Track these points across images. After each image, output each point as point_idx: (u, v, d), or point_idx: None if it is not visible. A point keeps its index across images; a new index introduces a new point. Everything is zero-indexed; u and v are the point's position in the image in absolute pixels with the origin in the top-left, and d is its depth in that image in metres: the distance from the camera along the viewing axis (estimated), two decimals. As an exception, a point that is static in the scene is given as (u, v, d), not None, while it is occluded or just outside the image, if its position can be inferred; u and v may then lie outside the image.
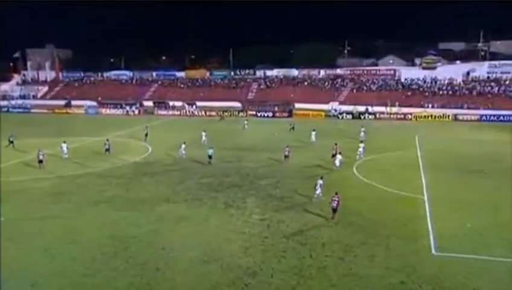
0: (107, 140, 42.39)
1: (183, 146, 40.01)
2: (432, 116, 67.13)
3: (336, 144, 37.52)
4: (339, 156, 35.26)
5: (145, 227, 23.47)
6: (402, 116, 68.26)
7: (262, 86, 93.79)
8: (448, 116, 66.32)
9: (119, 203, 27.51)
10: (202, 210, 26.20)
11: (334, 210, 24.12)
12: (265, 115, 73.70)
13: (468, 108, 70.59)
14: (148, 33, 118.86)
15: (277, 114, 73.53)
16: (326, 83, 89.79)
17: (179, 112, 78.12)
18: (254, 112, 74.78)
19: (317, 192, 27.09)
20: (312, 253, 20.25)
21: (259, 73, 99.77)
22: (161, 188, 30.71)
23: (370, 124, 60.70)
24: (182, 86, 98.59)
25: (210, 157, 38.08)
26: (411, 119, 67.16)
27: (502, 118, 63.99)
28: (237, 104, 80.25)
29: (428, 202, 26.98)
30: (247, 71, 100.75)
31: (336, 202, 24.03)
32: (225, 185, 31.49)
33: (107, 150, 41.27)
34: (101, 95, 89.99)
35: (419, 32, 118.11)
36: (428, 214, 24.95)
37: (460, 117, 65.97)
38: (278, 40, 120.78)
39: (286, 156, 38.25)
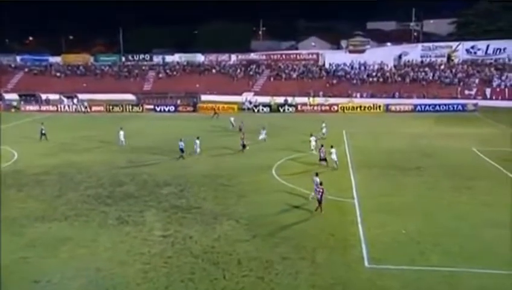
0: None
1: (198, 142, 41.75)
2: (360, 107, 70.53)
3: (322, 146, 38.51)
4: (333, 150, 36.93)
5: (11, 255, 22.20)
6: (327, 107, 70.98)
7: (161, 75, 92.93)
8: (379, 106, 70.13)
9: (-26, 226, 25.75)
10: (89, 229, 25.45)
11: (319, 202, 26.61)
12: (166, 109, 72.99)
13: (400, 97, 75.37)
14: (7, 5, 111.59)
15: (180, 108, 73.11)
16: (239, 70, 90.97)
17: (55, 107, 74.90)
18: (152, 106, 73.78)
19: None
20: (226, 273, 20.41)
21: (157, 59, 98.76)
22: (33, 204, 29.36)
23: (290, 118, 62.50)
24: (58, 74, 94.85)
25: (182, 151, 40.10)
26: (337, 111, 70.03)
27: (437, 107, 69.01)
28: (130, 97, 78.57)
29: (358, 206, 28.32)
30: (141, 56, 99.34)
31: (320, 194, 26.54)
32: (117, 196, 30.87)
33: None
34: None
35: (345, 11, 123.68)
36: (359, 220, 26.17)
37: (393, 108, 70.07)
38: (179, 18, 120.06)
39: (244, 146, 42.85)
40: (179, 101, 74.75)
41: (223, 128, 55.98)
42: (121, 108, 73.54)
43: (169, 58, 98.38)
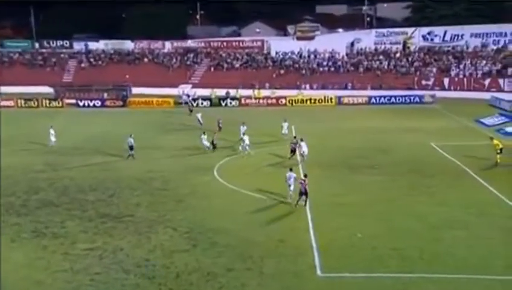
0: None
1: (205, 137, 42.22)
2: (310, 100, 71.45)
3: (295, 137, 40.80)
4: (302, 143, 38.83)
5: None
6: (274, 100, 71.59)
7: (84, 64, 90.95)
8: (331, 99, 71.25)
9: None
10: (-2, 244, 24.68)
11: (301, 194, 28.59)
12: (91, 104, 71.72)
13: (354, 88, 76.90)
14: None
15: (108, 102, 72.00)
16: (174, 60, 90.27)
17: None
18: (74, 101, 72.28)
19: (291, 187, 29.83)
20: (163, 288, 20.32)
21: (79, 46, 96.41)
22: None
23: (233, 113, 62.59)
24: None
25: (132, 148, 40.08)
26: (285, 104, 70.65)
27: (393, 99, 70.82)
28: (47, 90, 76.52)
29: (310, 210, 28.73)
30: (60, 43, 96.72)
31: (304, 186, 28.42)
32: (33, 205, 30.19)
33: None
34: None
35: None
36: (310, 225, 26.63)
37: (346, 100, 71.32)
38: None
39: (213, 144, 42.84)
40: (106, 95, 73.52)
41: (189, 126, 55.20)
42: (36, 103, 71.43)
43: (93, 45, 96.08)
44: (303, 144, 38.97)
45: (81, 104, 71.84)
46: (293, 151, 39.74)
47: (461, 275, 20.95)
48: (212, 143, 42.83)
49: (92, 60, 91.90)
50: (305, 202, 28.84)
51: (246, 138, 41.85)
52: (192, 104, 67.57)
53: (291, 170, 30.83)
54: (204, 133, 43.34)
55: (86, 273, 21.60)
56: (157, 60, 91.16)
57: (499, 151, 37.30)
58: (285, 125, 47.56)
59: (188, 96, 72.84)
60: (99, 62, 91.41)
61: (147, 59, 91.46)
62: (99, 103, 71.98)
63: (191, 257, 22.93)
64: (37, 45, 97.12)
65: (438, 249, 23.55)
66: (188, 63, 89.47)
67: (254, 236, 25.25)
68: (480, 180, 33.91)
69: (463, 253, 23.05)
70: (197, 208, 29.45)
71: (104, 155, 41.67)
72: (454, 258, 22.50)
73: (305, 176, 29.31)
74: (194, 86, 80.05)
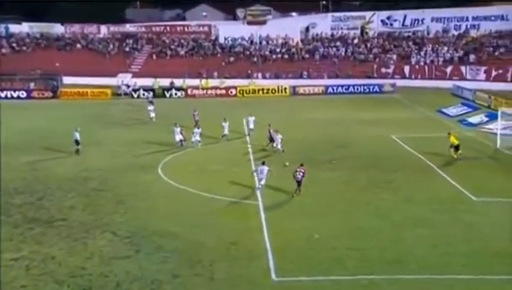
0: None
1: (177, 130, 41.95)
2: (263, 90, 72.02)
3: (269, 125, 42.36)
4: (279, 136, 40.68)
5: None
6: (223, 91, 71.73)
7: (4, 50, 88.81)
8: (285, 89, 71.96)
9: None
10: None
11: (299, 183, 30.50)
12: (15, 95, 70.53)
13: (309, 77, 77.75)
14: None
15: (35, 93, 70.81)
16: (111, 46, 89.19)
17: None
18: (-5, 92, 70.93)
19: (262, 181, 31.32)
20: (101, 300, 20.21)
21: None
22: None
23: (179, 105, 62.40)
24: None
25: (77, 143, 40.23)
26: (236, 95, 71.05)
27: (351, 89, 72.02)
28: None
29: (264, 209, 28.99)
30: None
31: (301, 174, 30.51)
32: None
33: None
34: None
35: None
36: (264, 226, 26.82)
37: (301, 90, 72.23)
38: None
39: (181, 140, 42.17)
40: (32, 85, 72.41)
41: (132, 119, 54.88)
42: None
43: (15, 28, 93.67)
44: (279, 136, 40.37)
45: (2, 95, 70.39)
46: (271, 140, 41.31)
47: (423, 275, 21.51)
48: (181, 140, 42.24)
49: (14, 45, 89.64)
50: (298, 190, 30.74)
51: (197, 132, 42.15)
52: (132, 96, 67.04)
53: (263, 163, 31.61)
54: (176, 124, 42.77)
55: (10, 286, 21.14)
56: (92, 46, 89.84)
57: (451, 146, 38.47)
58: (251, 119, 47.41)
59: (128, 86, 72.37)
60: (24, 48, 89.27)
61: (79, 45, 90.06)
62: (25, 94, 70.84)
63: (133, 264, 22.75)
64: None
65: (400, 248, 24.10)
66: (127, 49, 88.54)
67: (203, 239, 25.23)
68: (443, 174, 34.91)
69: (425, 252, 23.64)
70: (139, 209, 29.21)
71: (32, 153, 40.81)
72: (416, 258, 23.06)
73: (302, 165, 31.11)
74: (135, 75, 79.61)
